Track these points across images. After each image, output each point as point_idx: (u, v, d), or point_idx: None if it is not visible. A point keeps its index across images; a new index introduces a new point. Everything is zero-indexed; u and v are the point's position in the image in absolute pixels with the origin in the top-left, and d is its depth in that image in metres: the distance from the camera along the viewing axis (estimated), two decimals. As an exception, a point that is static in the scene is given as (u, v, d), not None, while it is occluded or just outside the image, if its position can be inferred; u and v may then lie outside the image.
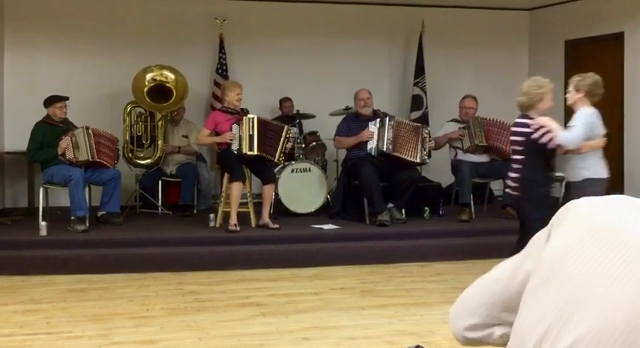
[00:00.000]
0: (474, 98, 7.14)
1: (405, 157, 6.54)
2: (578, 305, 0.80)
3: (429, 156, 6.74)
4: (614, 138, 7.96)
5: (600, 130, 4.84)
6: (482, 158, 6.96)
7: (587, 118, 4.70)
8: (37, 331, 3.98)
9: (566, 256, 0.84)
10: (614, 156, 7.84)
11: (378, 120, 6.62)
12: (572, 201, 0.94)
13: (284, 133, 6.34)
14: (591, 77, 4.81)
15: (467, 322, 1.05)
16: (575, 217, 0.88)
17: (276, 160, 6.36)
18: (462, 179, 6.80)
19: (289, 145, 6.50)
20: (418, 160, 6.61)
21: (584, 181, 4.75)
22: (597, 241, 0.82)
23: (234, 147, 6.18)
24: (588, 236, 0.83)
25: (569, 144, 4.63)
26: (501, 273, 1.02)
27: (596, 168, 4.79)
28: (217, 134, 6.37)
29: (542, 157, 4.71)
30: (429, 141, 6.68)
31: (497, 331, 1.03)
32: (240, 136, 6.17)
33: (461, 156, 6.98)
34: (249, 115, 6.30)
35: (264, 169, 6.43)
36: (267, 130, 6.30)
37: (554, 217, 0.94)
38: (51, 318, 4.23)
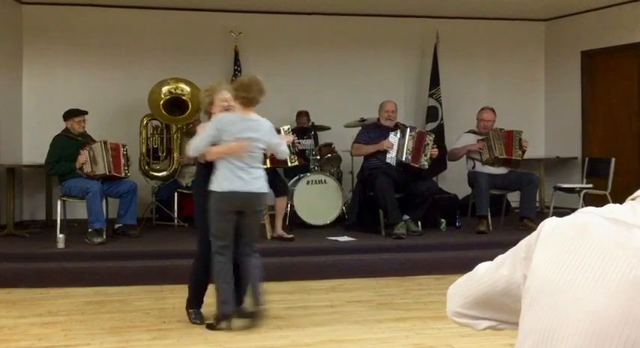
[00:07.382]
0: (492, 110, 7.08)
1: (413, 164, 6.54)
2: (566, 315, 0.84)
3: (429, 162, 6.66)
4: (631, 148, 7.91)
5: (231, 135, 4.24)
6: (500, 170, 6.93)
7: (212, 125, 4.24)
8: (55, 343, 4.00)
9: (549, 272, 0.89)
10: (632, 167, 7.78)
11: (398, 130, 6.63)
12: (545, 220, 1.00)
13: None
14: (240, 79, 4.59)
15: (456, 308, 1.16)
16: (548, 234, 0.94)
17: (289, 164, 6.33)
18: (479, 191, 6.76)
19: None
20: (417, 165, 6.58)
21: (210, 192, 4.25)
22: (571, 249, 0.88)
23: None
24: (563, 247, 0.89)
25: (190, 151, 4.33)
26: (483, 275, 1.10)
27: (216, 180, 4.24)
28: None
29: None
30: (432, 148, 6.64)
31: (483, 324, 1.13)
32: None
33: (478, 167, 6.94)
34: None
35: (276, 181, 6.43)
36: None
37: (531, 236, 0.99)
38: (69, 330, 4.25)
